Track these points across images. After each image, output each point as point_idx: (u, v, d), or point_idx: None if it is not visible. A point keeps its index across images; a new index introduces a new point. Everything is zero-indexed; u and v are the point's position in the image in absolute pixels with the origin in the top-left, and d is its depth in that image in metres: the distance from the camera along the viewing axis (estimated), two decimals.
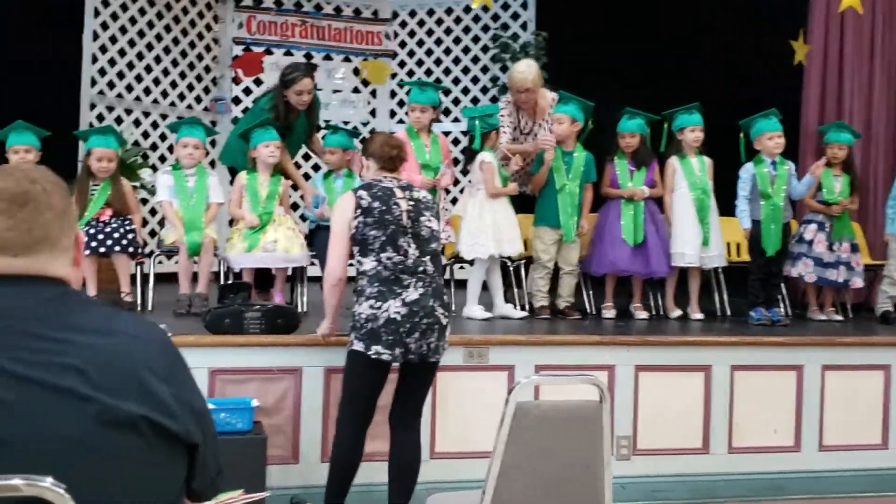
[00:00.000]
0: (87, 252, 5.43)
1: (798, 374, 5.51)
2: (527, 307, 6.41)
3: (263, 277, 6.10)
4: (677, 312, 6.51)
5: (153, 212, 6.25)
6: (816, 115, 7.69)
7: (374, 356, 3.97)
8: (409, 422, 4.26)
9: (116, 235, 5.64)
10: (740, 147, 6.48)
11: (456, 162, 7.35)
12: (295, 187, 6.56)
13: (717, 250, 6.51)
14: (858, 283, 6.66)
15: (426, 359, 4.07)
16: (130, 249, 5.71)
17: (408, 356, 4.00)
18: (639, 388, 5.31)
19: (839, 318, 6.70)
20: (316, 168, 8.55)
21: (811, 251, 6.56)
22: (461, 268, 6.79)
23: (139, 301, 5.88)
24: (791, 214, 6.62)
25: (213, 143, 8.27)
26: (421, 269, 4.05)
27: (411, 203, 4.13)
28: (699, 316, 6.48)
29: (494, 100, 8.93)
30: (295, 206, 6.93)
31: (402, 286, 3.99)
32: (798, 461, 5.48)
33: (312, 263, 6.15)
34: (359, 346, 4.02)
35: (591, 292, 6.68)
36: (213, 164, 8.42)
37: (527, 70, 6.64)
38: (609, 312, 6.45)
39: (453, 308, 5.72)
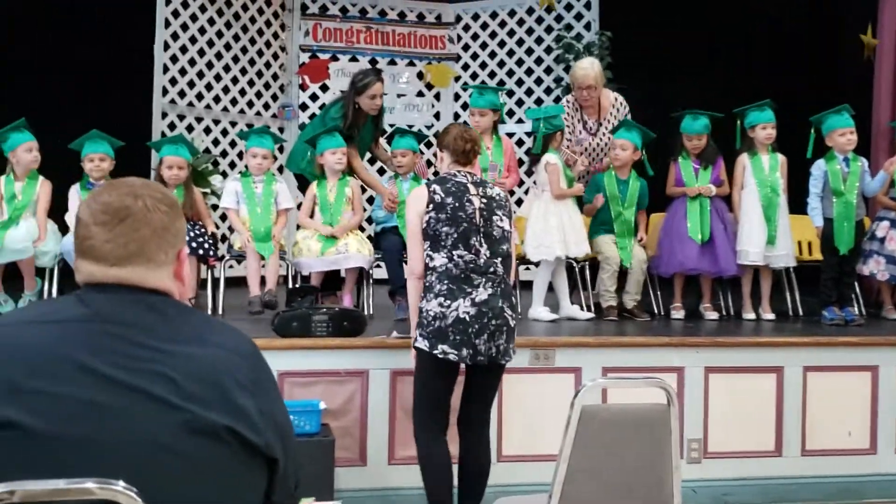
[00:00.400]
0: None
1: (872, 375, 5.39)
2: (593, 308, 6.37)
3: (331, 280, 6.16)
4: (751, 314, 6.39)
5: (224, 217, 6.36)
6: (888, 110, 7.52)
7: (440, 355, 3.92)
8: (478, 424, 4.20)
9: (187, 240, 5.74)
10: (810, 143, 6.36)
11: (521, 163, 7.34)
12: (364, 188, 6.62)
13: (784, 249, 6.38)
14: None
15: (495, 361, 4.00)
16: (200, 253, 5.85)
17: (476, 358, 3.93)
18: (709, 390, 5.24)
19: None
20: (381, 172, 8.60)
21: (883, 249, 6.40)
22: (526, 269, 6.77)
23: (210, 304, 6.00)
24: (864, 212, 6.47)
25: (280, 150, 8.38)
26: (491, 269, 3.98)
27: (484, 201, 4.05)
28: (770, 316, 6.37)
29: (558, 101, 8.89)
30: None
31: (472, 285, 3.93)
32: (874, 464, 5.37)
33: (378, 266, 6.19)
34: (423, 343, 3.97)
35: (658, 293, 6.61)
36: (280, 169, 8.55)
37: (589, 67, 6.67)
38: (678, 313, 6.39)
39: (520, 310, 5.71)
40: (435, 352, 3.92)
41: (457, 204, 3.99)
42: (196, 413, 1.62)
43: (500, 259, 4.03)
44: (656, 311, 6.52)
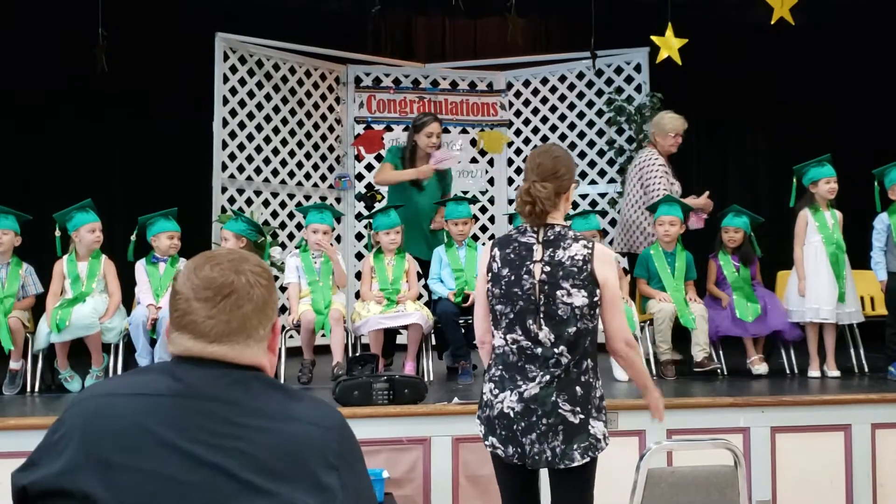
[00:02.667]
0: None
1: None
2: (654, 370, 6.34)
3: (390, 348, 6.24)
4: (817, 372, 6.31)
5: (283, 289, 6.49)
6: None
7: (489, 448, 3.45)
8: None
9: None
10: (875, 197, 6.33)
11: None
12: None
13: (853, 306, 6.34)
14: None
15: (553, 466, 3.32)
16: None
17: (525, 459, 3.34)
18: (776, 450, 5.16)
19: None
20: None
21: None
22: None
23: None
24: None
25: (338, 220, 8.52)
26: (553, 359, 3.33)
27: (548, 269, 3.35)
28: (836, 373, 6.27)
29: (612, 164, 8.95)
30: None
31: (524, 377, 3.34)
32: None
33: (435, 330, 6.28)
34: (480, 429, 3.49)
35: (721, 351, 6.53)
36: (339, 238, 8.69)
37: (678, 115, 7.10)
38: (759, 367, 6.32)
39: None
40: (486, 443, 3.46)
41: (513, 277, 3.38)
42: (274, 492, 1.61)
43: (565, 346, 3.33)
44: (720, 371, 6.43)
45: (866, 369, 6.49)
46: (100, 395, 1.75)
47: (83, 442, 1.64)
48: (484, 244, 6.67)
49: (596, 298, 3.36)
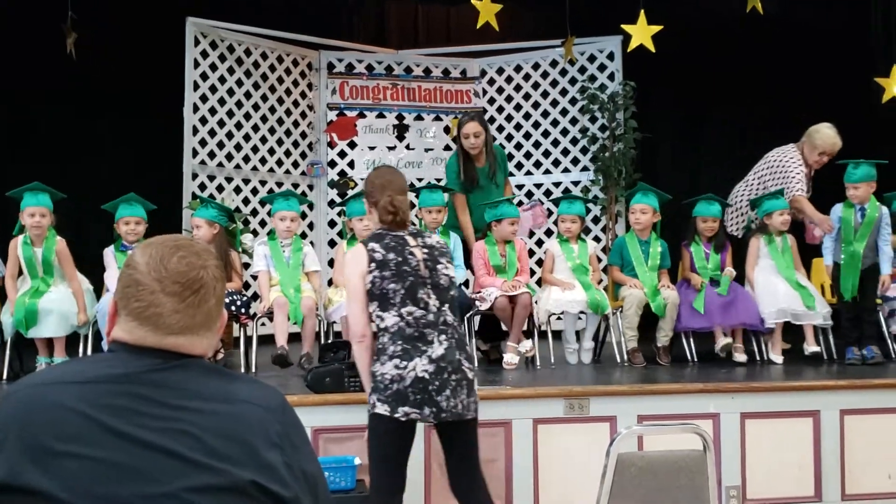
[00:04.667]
0: None
1: None
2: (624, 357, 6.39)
3: None
4: (780, 358, 6.37)
5: (253, 277, 6.45)
6: None
7: (402, 418, 3.74)
8: (472, 486, 3.98)
9: None
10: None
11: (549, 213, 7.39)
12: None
13: (823, 308, 6.42)
14: None
15: (461, 417, 3.82)
16: (233, 310, 5.94)
17: (440, 416, 3.76)
18: (745, 435, 5.20)
19: None
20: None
21: None
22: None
23: (243, 362, 6.06)
24: (876, 256, 6.44)
25: (311, 207, 8.50)
26: (443, 320, 3.85)
27: (426, 251, 3.93)
28: (815, 349, 6.36)
29: (585, 152, 8.96)
30: None
31: (426, 342, 3.78)
32: None
33: None
34: (383, 408, 3.77)
35: (691, 339, 6.56)
36: (311, 226, 8.65)
37: (834, 133, 6.93)
38: (740, 356, 6.36)
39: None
40: (397, 415, 3.73)
41: (399, 259, 3.85)
42: (221, 470, 1.62)
43: (448, 307, 3.90)
44: (689, 358, 6.47)
45: (835, 356, 6.55)
46: (34, 385, 1.71)
47: (20, 435, 1.61)
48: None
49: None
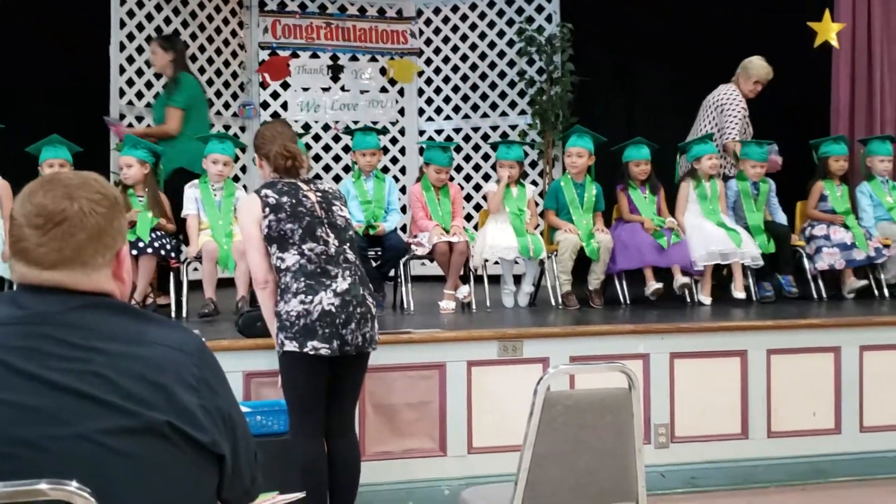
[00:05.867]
0: None
1: (835, 356, 5.45)
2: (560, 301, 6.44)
3: None
4: (709, 300, 6.50)
5: (183, 220, 6.32)
6: (847, 98, 7.62)
7: (311, 352, 3.81)
8: (346, 424, 4.06)
9: (150, 240, 5.79)
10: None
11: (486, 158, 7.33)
12: None
13: (751, 248, 6.54)
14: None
15: (363, 350, 3.94)
16: (162, 253, 5.85)
17: (345, 348, 3.84)
18: (674, 375, 5.28)
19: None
20: (346, 170, 8.59)
21: (831, 241, 6.72)
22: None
23: (174, 307, 5.97)
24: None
25: (243, 150, 8.34)
26: (343, 257, 3.93)
27: (319, 194, 4.02)
28: (741, 295, 6.49)
29: (522, 95, 8.92)
30: None
31: (329, 277, 3.86)
32: (839, 443, 5.43)
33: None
34: (292, 345, 3.84)
35: (624, 282, 6.63)
36: (244, 169, 8.50)
37: (765, 63, 7.31)
38: (653, 285, 6.44)
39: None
40: (305, 349, 3.81)
41: (293, 201, 3.92)
42: (135, 412, 1.60)
43: (348, 246, 3.98)
44: (622, 300, 6.54)
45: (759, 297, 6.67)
46: None
47: None
48: (388, 178, 6.65)
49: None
